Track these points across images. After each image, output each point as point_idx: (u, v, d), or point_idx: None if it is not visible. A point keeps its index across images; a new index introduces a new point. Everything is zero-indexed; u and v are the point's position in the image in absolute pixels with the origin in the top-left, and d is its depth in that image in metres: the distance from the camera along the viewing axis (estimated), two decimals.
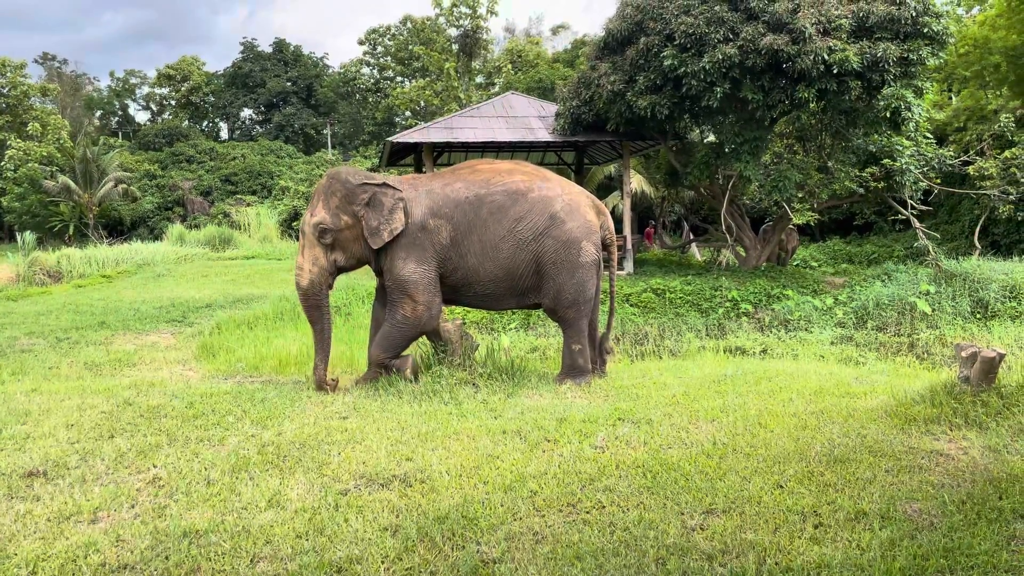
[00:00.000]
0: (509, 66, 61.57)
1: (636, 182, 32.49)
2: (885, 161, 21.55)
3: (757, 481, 5.83)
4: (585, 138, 22.90)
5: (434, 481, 5.92)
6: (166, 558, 4.86)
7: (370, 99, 69.93)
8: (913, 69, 18.30)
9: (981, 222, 23.82)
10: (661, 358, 13.89)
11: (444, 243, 8.51)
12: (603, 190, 34.82)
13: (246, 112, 76.08)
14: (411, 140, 22.41)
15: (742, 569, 4.66)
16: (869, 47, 17.68)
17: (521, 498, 5.59)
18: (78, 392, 8.72)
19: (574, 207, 8.71)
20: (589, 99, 21.29)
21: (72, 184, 44.39)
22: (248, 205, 46.49)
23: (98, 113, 78.88)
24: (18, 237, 28.90)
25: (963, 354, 7.10)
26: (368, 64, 71.82)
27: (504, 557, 4.84)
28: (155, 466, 6.28)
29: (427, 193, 8.66)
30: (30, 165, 47.33)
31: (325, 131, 71.93)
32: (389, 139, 22.64)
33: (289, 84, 72.72)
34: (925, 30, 18.11)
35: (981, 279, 18.75)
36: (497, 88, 59.80)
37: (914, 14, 18.01)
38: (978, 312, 17.77)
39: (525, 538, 5.05)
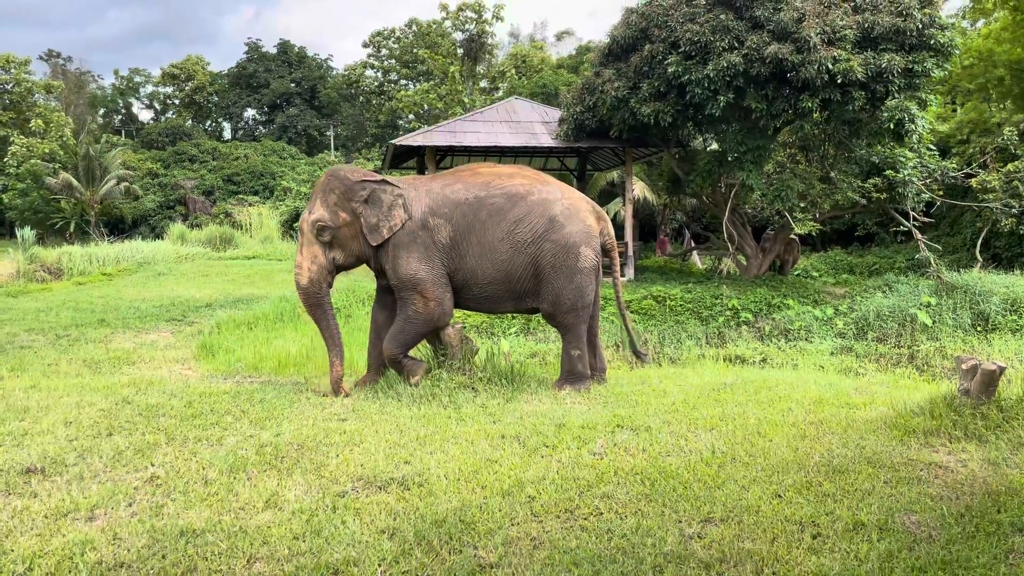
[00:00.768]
0: (513, 71, 61.41)
1: (639, 189, 32.37)
2: (888, 172, 21.44)
3: (755, 490, 5.79)
4: (588, 144, 22.67)
5: (431, 485, 5.88)
6: (163, 557, 4.84)
7: (373, 102, 69.23)
8: (917, 81, 18.15)
9: (983, 235, 23.77)
10: (661, 365, 13.79)
11: (444, 243, 8.42)
12: (605, 196, 35.42)
13: (249, 112, 75.72)
14: (414, 143, 22.23)
15: None
16: (874, 58, 17.58)
17: (519, 503, 5.56)
18: (77, 389, 8.66)
19: (574, 211, 8.62)
20: (593, 105, 21.08)
21: (74, 181, 44.15)
22: (250, 205, 45.88)
23: (101, 111, 78.63)
24: (18, 233, 28.69)
25: (963, 367, 7.05)
26: (372, 67, 71.17)
27: (501, 562, 4.81)
28: (153, 465, 6.26)
29: (427, 193, 8.58)
30: (33, 162, 47.10)
31: (328, 133, 71.86)
32: (392, 142, 22.58)
33: (293, 85, 72.22)
34: (931, 42, 17.99)
35: (982, 292, 18.66)
36: (501, 93, 59.54)
37: (920, 26, 17.89)
38: (979, 325, 17.69)
39: (522, 543, 5.03)
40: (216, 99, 75.23)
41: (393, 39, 70.26)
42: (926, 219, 23.44)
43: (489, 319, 16.80)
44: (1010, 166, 22.36)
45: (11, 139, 50.47)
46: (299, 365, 11.29)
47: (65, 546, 4.96)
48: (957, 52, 18.83)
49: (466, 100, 53.45)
